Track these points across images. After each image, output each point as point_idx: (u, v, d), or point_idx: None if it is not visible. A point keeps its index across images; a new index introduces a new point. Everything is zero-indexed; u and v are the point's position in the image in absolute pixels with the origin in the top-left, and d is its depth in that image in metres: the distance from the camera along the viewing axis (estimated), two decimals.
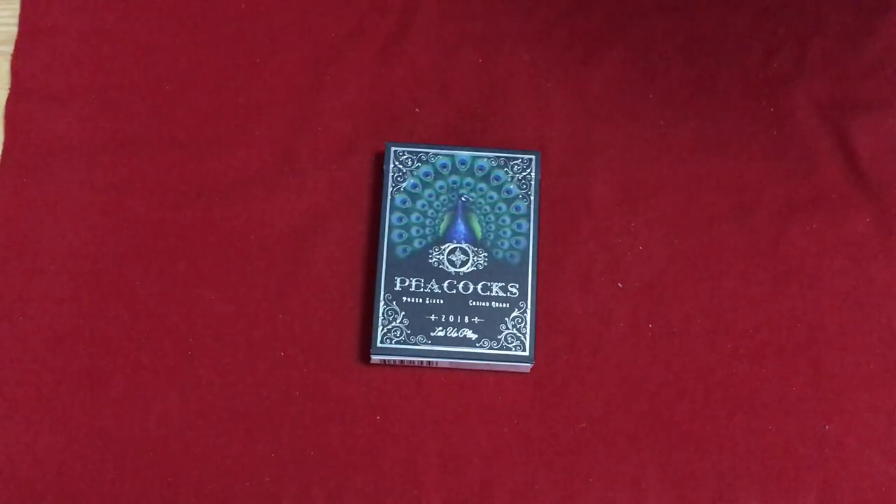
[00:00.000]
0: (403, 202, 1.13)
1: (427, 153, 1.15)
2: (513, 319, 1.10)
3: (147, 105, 1.18)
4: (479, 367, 1.10)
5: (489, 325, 1.09)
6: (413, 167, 1.14)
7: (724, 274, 1.14)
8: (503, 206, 1.13)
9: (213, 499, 1.07)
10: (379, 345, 1.09)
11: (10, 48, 1.20)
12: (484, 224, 1.13)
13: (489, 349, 1.09)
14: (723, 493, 1.08)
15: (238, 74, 1.20)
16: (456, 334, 1.09)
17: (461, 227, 1.13)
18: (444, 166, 1.14)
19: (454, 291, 1.10)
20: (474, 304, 1.10)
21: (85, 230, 1.14)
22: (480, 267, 1.11)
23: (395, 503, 1.08)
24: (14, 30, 1.21)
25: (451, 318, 1.10)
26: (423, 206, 1.13)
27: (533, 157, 1.15)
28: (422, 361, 1.10)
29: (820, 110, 1.19)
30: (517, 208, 1.13)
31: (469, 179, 1.14)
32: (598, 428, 1.10)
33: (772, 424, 1.10)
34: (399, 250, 1.12)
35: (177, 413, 1.09)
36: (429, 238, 1.12)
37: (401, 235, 1.12)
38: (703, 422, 1.10)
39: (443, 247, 1.12)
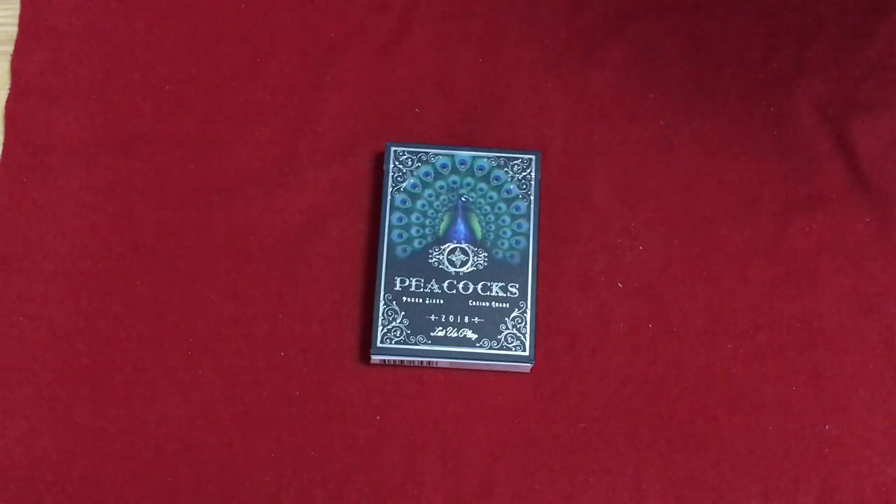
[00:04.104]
0: (403, 202, 1.13)
1: (427, 153, 1.15)
2: (513, 319, 1.10)
3: (147, 105, 1.18)
4: (479, 367, 1.10)
5: (489, 325, 1.09)
6: (413, 167, 1.14)
7: (724, 274, 1.14)
8: (503, 206, 1.13)
9: (213, 499, 1.07)
10: (379, 345, 1.09)
11: (10, 48, 1.20)
12: (484, 224, 1.13)
13: (489, 349, 1.09)
14: (723, 493, 1.08)
15: (238, 74, 1.20)
16: (456, 334, 1.09)
17: (461, 227, 1.13)
18: (444, 166, 1.14)
19: (454, 291, 1.10)
20: (474, 304, 1.10)
21: (85, 230, 1.14)
22: (480, 267, 1.11)
23: (395, 503, 1.08)
24: (14, 30, 1.21)
25: (451, 318, 1.10)
26: (423, 206, 1.13)
27: (533, 157, 1.15)
28: (422, 361, 1.10)
29: (820, 110, 1.19)
30: (517, 208, 1.13)
31: (469, 179, 1.14)
32: (598, 428, 1.10)
33: (772, 424, 1.10)
34: (399, 250, 1.12)
35: (177, 413, 1.09)
36: (429, 238, 1.12)
37: (401, 235, 1.12)
38: (703, 422, 1.10)
39: (443, 247, 1.12)
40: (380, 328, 1.09)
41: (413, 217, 1.13)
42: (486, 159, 1.15)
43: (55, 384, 1.10)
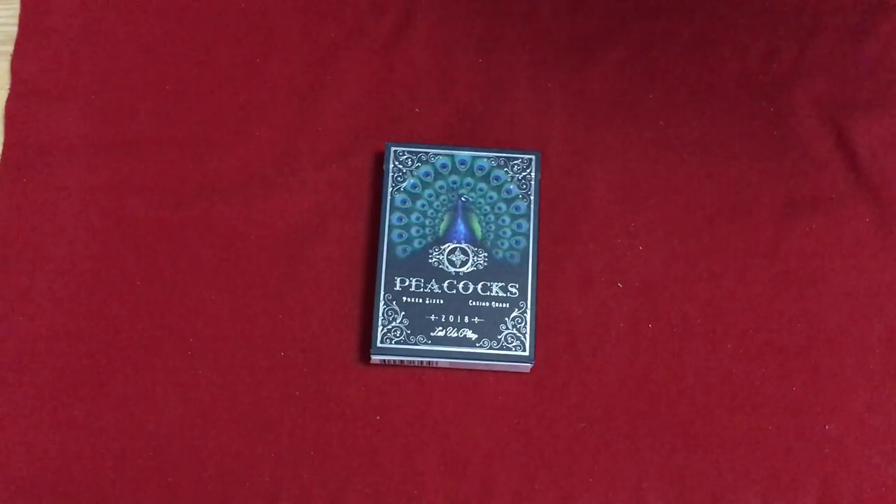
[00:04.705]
0: (403, 202, 1.13)
1: (427, 153, 1.15)
2: (513, 319, 1.10)
3: (147, 105, 1.18)
4: (479, 367, 1.10)
5: (489, 325, 1.09)
6: (413, 167, 1.14)
7: (724, 274, 1.14)
8: (503, 206, 1.13)
9: (213, 499, 1.07)
10: (379, 345, 1.09)
11: (10, 48, 1.20)
12: (484, 224, 1.13)
13: (489, 349, 1.09)
14: (723, 493, 1.08)
15: (238, 74, 1.20)
16: (456, 334, 1.09)
17: (461, 227, 1.13)
18: (444, 166, 1.14)
19: (454, 291, 1.10)
20: (474, 304, 1.10)
21: (85, 230, 1.14)
22: (480, 267, 1.11)
23: (395, 503, 1.08)
24: (14, 30, 1.21)
25: (451, 318, 1.10)
26: (423, 206, 1.13)
27: (533, 157, 1.15)
28: (422, 361, 1.10)
29: (820, 110, 1.19)
30: (517, 208, 1.13)
31: (469, 179, 1.14)
32: (598, 428, 1.10)
33: (772, 424, 1.10)
34: (399, 250, 1.12)
35: (177, 413, 1.09)
36: (429, 238, 1.12)
37: (401, 235, 1.12)
38: (703, 422, 1.10)
39: (443, 247, 1.12)
40: (380, 328, 1.09)
41: (413, 217, 1.13)
42: (486, 159, 1.15)
43: (55, 384, 1.10)
